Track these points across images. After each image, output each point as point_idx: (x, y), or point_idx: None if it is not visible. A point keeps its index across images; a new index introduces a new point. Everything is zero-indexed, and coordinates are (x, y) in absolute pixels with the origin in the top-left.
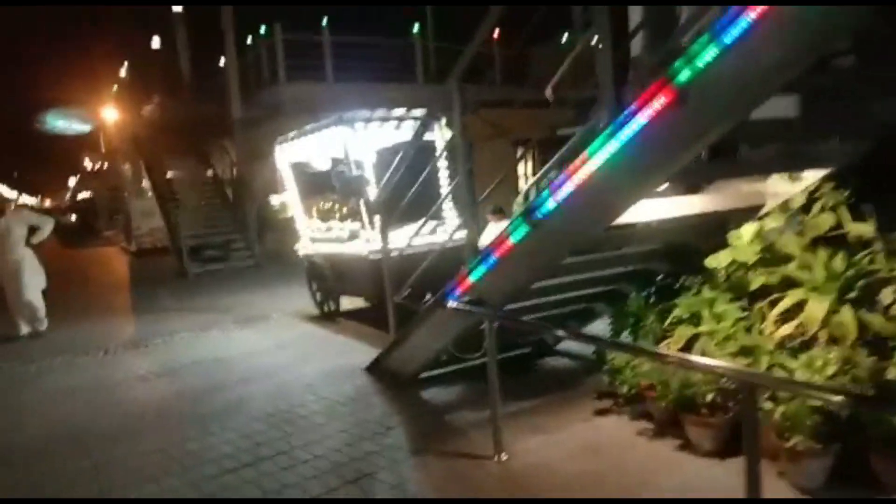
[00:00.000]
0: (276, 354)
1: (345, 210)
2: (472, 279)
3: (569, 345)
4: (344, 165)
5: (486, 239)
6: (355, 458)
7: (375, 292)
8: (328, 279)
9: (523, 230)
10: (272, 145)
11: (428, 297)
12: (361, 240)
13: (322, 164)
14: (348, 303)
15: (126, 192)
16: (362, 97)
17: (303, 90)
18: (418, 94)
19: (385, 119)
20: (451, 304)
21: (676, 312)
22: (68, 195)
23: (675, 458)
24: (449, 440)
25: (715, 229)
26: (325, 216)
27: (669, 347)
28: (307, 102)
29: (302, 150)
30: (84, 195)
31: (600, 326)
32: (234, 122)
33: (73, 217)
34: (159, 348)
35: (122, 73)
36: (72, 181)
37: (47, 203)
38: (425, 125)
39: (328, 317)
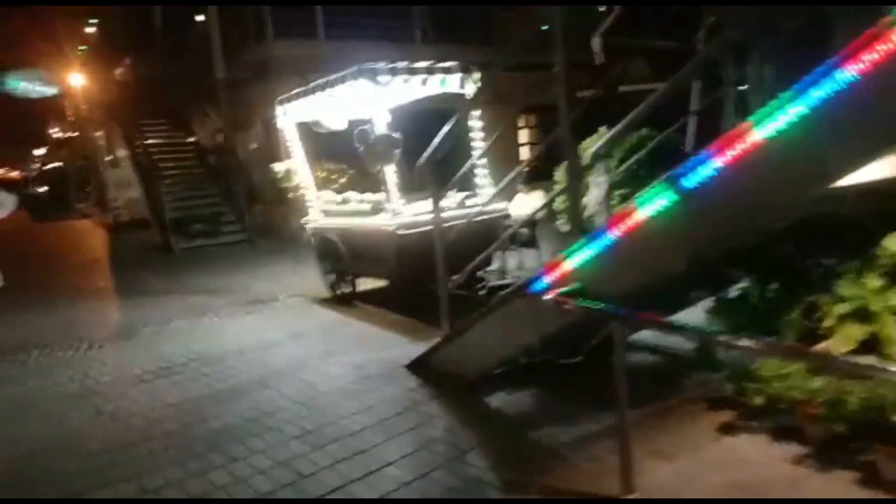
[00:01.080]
0: (292, 347)
1: (343, 179)
2: (572, 265)
3: (642, 334)
4: (368, 125)
5: (517, 210)
6: (433, 495)
7: (404, 273)
8: (343, 258)
9: (667, 200)
10: (260, 108)
11: (456, 278)
12: (387, 213)
13: (335, 125)
14: (361, 283)
15: (99, 161)
16: (356, 57)
17: (292, 48)
18: (417, 55)
19: (413, 71)
20: (547, 295)
21: (840, 307)
22: (36, 166)
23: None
24: (549, 469)
25: (878, 200)
26: (323, 185)
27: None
28: (297, 62)
29: (309, 109)
30: (53, 165)
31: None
32: (218, 84)
33: (43, 189)
34: (152, 339)
35: (90, 30)
36: (39, 151)
37: (14, 174)
38: (488, 83)
39: (343, 300)
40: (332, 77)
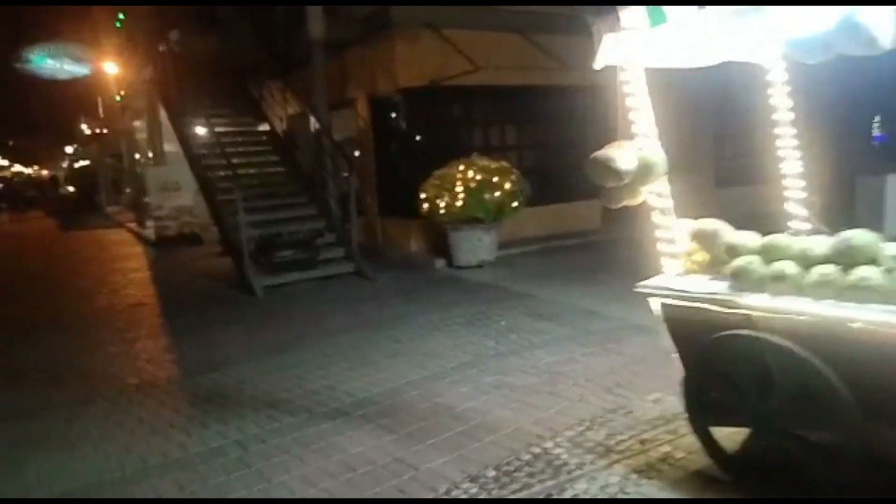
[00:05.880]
0: None
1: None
2: None
3: None
4: None
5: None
6: None
7: None
8: (841, 408)
9: None
10: (367, 79)
11: None
12: None
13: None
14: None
15: (136, 158)
16: (502, 8)
17: None
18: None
19: None
20: None
21: None
22: (65, 163)
23: None
24: None
25: None
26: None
27: None
28: (427, 11)
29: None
30: (82, 164)
31: None
32: (313, 48)
33: (71, 189)
34: None
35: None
36: (69, 148)
37: (44, 173)
38: None
39: (747, 473)
40: None
